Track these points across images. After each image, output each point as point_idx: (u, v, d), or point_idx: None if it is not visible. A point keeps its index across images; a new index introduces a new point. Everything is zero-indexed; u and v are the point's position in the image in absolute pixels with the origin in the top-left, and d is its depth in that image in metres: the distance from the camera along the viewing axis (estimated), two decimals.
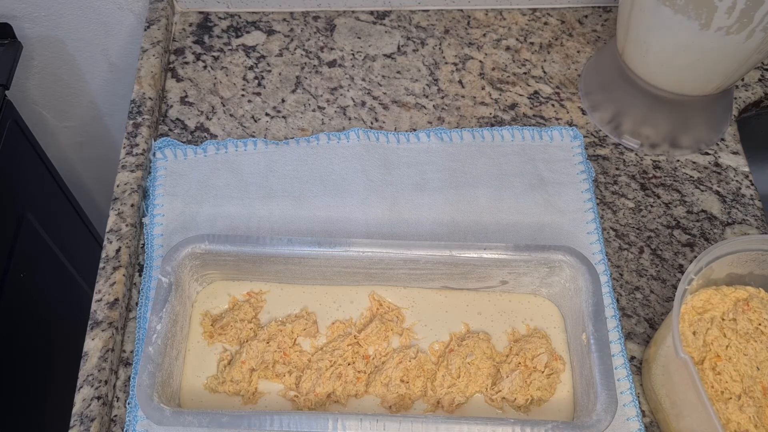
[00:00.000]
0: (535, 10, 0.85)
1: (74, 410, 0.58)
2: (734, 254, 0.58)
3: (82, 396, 0.59)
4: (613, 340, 0.63)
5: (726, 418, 0.55)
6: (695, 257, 0.63)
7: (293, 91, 0.78)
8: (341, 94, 0.78)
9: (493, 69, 0.80)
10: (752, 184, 0.72)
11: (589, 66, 0.79)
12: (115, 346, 0.61)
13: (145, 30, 0.80)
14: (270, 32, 0.82)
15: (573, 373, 0.61)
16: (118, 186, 0.69)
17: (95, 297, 0.63)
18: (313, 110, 0.76)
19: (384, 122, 0.76)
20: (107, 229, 0.67)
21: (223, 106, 0.76)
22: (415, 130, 0.75)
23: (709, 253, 0.56)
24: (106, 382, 0.59)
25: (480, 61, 0.80)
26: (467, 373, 0.59)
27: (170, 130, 0.75)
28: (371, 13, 0.84)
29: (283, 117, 0.76)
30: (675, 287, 0.66)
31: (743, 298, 0.59)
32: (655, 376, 0.60)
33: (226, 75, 0.79)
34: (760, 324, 0.58)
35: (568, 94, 0.78)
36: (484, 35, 0.83)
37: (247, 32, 0.82)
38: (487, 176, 0.71)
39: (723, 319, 0.59)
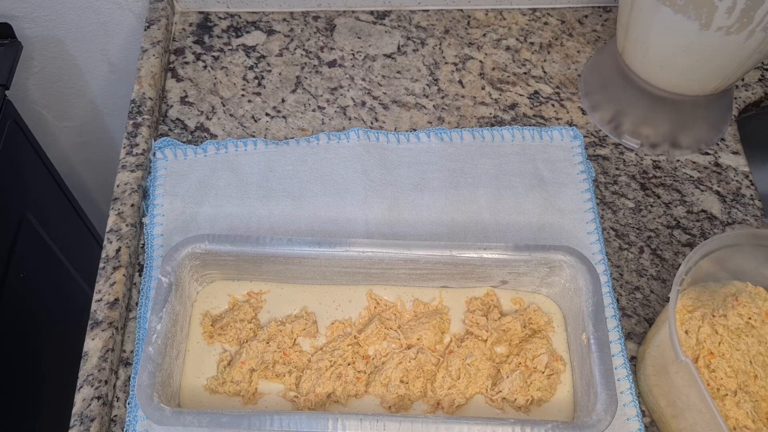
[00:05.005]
0: (535, 10, 0.85)
1: (74, 410, 0.58)
2: (720, 250, 0.58)
3: (82, 396, 0.59)
4: (613, 340, 0.63)
5: (724, 415, 0.55)
6: None
7: (293, 91, 0.78)
8: (341, 94, 0.78)
9: (493, 69, 0.80)
10: (752, 184, 0.72)
11: (589, 66, 0.79)
12: (115, 346, 0.61)
13: (145, 30, 0.80)
14: (270, 32, 0.82)
15: (573, 373, 0.61)
16: (118, 186, 0.69)
17: (95, 297, 0.63)
18: (313, 110, 0.76)
19: (384, 122, 0.76)
20: (107, 229, 0.67)
21: (223, 106, 0.77)
22: (415, 130, 0.75)
23: (697, 252, 0.56)
24: (106, 382, 0.59)
25: (480, 61, 0.80)
26: (467, 374, 0.59)
27: (170, 130, 0.75)
28: (371, 13, 0.84)
29: (283, 117, 0.76)
30: None
31: (731, 293, 0.60)
32: (648, 376, 0.60)
33: (226, 75, 0.79)
34: (750, 318, 0.58)
35: (568, 94, 0.78)
36: (484, 35, 0.83)
37: (247, 32, 0.82)
38: (487, 176, 0.71)
39: (713, 316, 0.59)
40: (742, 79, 0.80)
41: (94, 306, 0.63)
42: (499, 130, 0.74)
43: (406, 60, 0.80)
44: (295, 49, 0.81)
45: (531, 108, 0.77)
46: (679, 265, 0.68)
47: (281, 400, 0.60)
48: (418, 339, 0.61)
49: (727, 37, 0.60)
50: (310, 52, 0.81)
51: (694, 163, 0.74)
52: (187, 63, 0.80)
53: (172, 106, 0.77)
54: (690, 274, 0.57)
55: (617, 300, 0.66)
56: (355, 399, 0.60)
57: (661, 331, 0.57)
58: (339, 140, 0.73)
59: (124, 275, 0.64)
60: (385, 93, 0.78)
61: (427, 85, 0.78)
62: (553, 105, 0.77)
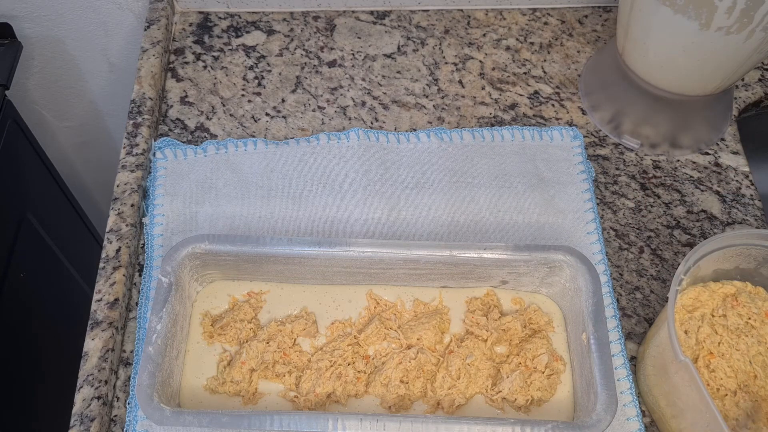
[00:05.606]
0: (535, 10, 0.85)
1: (74, 410, 0.58)
2: (720, 251, 0.58)
3: (82, 396, 0.59)
4: (613, 340, 0.63)
5: (723, 414, 0.55)
6: None
7: (293, 91, 0.78)
8: (341, 94, 0.78)
9: (493, 69, 0.80)
10: (752, 184, 0.72)
11: (589, 66, 0.79)
12: (115, 346, 0.61)
13: (145, 30, 0.80)
14: (270, 32, 0.82)
15: (573, 373, 0.61)
16: (118, 186, 0.69)
17: (95, 297, 0.63)
18: (313, 110, 0.76)
19: (384, 122, 0.76)
20: (107, 229, 0.67)
21: (223, 106, 0.77)
22: (415, 130, 0.75)
23: (696, 252, 0.56)
24: (106, 382, 0.59)
25: (480, 61, 0.80)
26: (467, 374, 0.59)
27: (170, 130, 0.75)
28: (371, 13, 0.84)
29: (283, 117, 0.76)
30: None
31: (731, 293, 0.60)
32: (648, 376, 0.60)
33: (226, 75, 0.79)
34: (749, 318, 0.59)
35: (568, 94, 0.78)
36: (484, 35, 0.83)
37: (247, 32, 0.82)
38: (487, 176, 0.71)
39: (713, 316, 0.59)
40: (742, 79, 0.80)
41: (94, 306, 0.63)
42: (499, 130, 0.74)
43: (406, 60, 0.80)
44: (295, 49, 0.81)
45: (531, 108, 0.77)
46: (679, 265, 0.68)
47: (281, 400, 0.60)
48: (418, 339, 0.61)
49: (727, 37, 0.60)
50: (310, 52, 0.81)
51: (694, 163, 0.74)
52: (187, 63, 0.80)
53: (172, 106, 0.77)
54: (689, 274, 0.57)
55: (617, 300, 0.66)
56: (355, 399, 0.60)
57: (660, 331, 0.57)
58: (339, 140, 0.73)
59: (124, 275, 0.64)
60: (385, 93, 0.78)
61: (427, 85, 0.78)
62: (553, 105, 0.77)
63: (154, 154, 0.72)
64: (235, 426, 0.53)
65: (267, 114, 0.76)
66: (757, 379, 0.56)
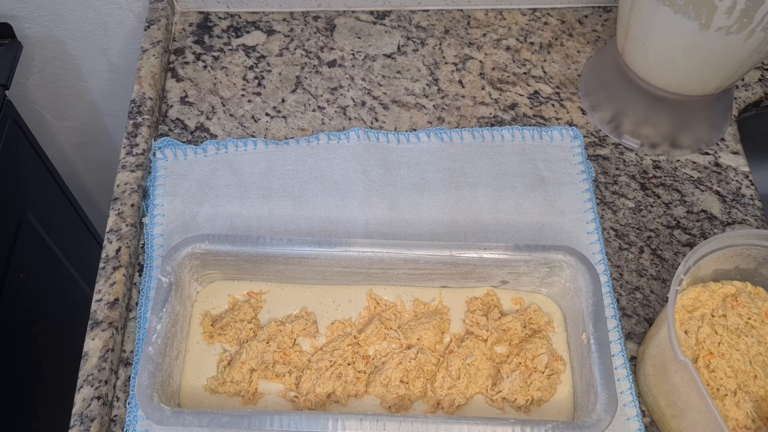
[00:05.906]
0: (535, 10, 0.85)
1: (74, 410, 0.58)
2: (720, 251, 0.58)
3: (82, 396, 0.59)
4: (613, 340, 0.63)
5: (724, 415, 0.55)
6: None
7: (293, 91, 0.78)
8: (341, 94, 0.78)
9: (493, 69, 0.80)
10: (752, 184, 0.72)
11: (589, 66, 0.79)
12: (115, 346, 0.61)
13: (145, 30, 0.80)
14: (270, 32, 0.82)
15: (573, 373, 0.61)
16: (118, 186, 0.69)
17: (95, 297, 0.63)
18: (313, 110, 0.76)
19: (384, 122, 0.76)
20: (107, 229, 0.67)
21: (223, 106, 0.77)
22: (415, 130, 0.75)
23: (696, 252, 0.56)
24: (106, 382, 0.59)
25: (480, 61, 0.80)
26: (467, 374, 0.59)
27: (170, 130, 0.75)
28: (371, 13, 0.84)
29: (283, 117, 0.76)
30: None
31: (731, 293, 0.60)
32: (648, 376, 0.60)
33: (226, 75, 0.79)
34: (749, 318, 0.59)
35: (568, 94, 0.78)
36: (484, 35, 0.83)
37: (247, 32, 0.82)
38: (487, 176, 0.71)
39: (713, 316, 0.59)
40: (742, 79, 0.80)
41: (94, 306, 0.63)
42: (499, 130, 0.74)
43: (406, 60, 0.80)
44: (295, 49, 0.81)
45: (531, 108, 0.77)
46: (679, 265, 0.68)
47: (281, 400, 0.60)
48: (418, 339, 0.61)
49: (727, 37, 0.60)
50: (310, 52, 0.81)
51: (694, 163, 0.74)
52: (187, 63, 0.80)
53: (172, 106, 0.77)
54: (689, 274, 0.57)
55: (617, 300, 0.66)
56: (355, 399, 0.60)
57: (660, 331, 0.57)
58: (339, 140, 0.73)
59: (124, 275, 0.64)
60: (385, 93, 0.78)
61: (427, 85, 0.78)
62: (553, 105, 0.77)
63: (154, 154, 0.72)
64: (235, 426, 0.53)
65: (267, 114, 0.76)
66: (757, 379, 0.56)
